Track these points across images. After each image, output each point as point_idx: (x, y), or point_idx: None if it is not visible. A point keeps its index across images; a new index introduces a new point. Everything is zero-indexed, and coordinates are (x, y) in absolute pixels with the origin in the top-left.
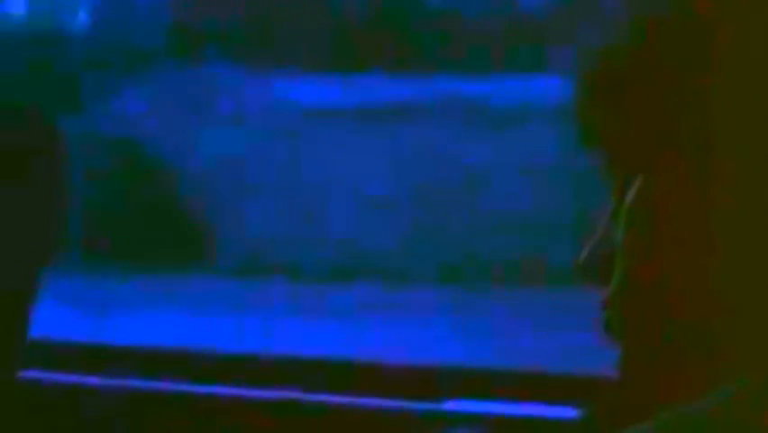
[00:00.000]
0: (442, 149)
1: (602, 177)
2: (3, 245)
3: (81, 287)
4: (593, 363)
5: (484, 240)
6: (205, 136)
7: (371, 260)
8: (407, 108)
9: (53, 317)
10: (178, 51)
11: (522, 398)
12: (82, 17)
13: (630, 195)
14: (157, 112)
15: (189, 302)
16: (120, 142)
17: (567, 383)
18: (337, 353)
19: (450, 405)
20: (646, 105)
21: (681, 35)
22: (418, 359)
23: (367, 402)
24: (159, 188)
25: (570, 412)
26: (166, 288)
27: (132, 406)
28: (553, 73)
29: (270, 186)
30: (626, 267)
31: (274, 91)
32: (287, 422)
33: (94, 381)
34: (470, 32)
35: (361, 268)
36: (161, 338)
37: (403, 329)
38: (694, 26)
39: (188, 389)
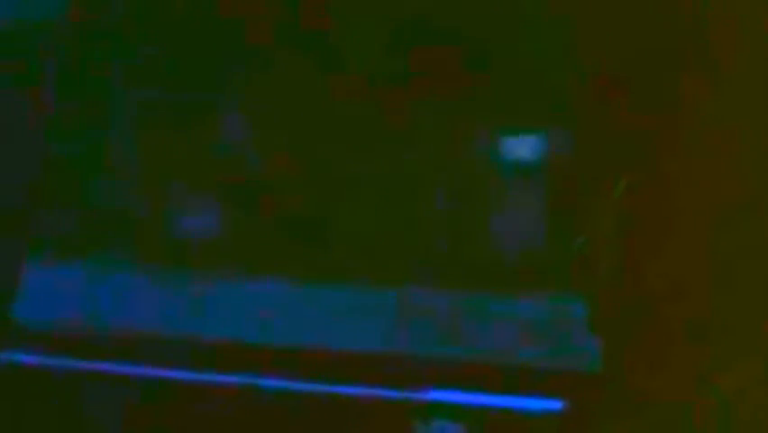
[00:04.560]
0: None
1: (589, 178)
2: None
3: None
4: (576, 358)
5: None
6: None
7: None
8: None
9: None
10: None
11: (505, 390)
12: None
13: (615, 195)
14: None
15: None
16: None
17: (550, 377)
18: (322, 342)
19: (432, 395)
20: (633, 107)
21: (665, 42)
22: (402, 349)
23: (351, 391)
24: None
25: (552, 405)
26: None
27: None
28: None
29: None
30: (611, 265)
31: None
32: (270, 410)
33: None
34: None
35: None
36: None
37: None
38: (680, 33)
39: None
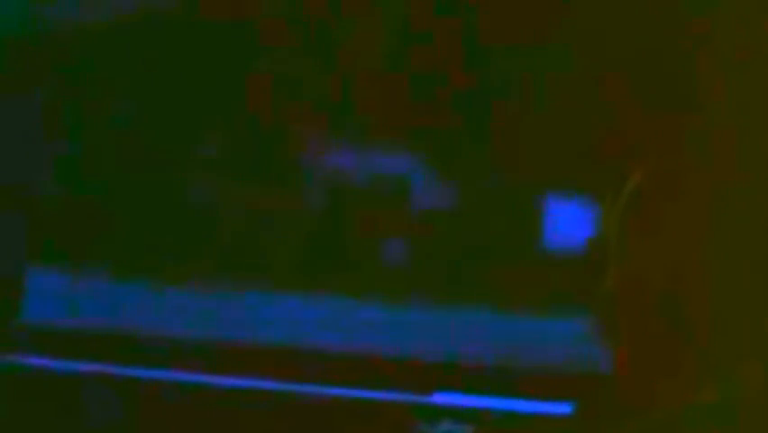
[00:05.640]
0: None
1: (597, 176)
2: None
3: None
4: (586, 360)
5: None
6: None
7: None
8: None
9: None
10: None
11: (513, 393)
12: None
13: (624, 194)
14: None
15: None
16: None
17: (559, 379)
18: (327, 345)
19: (439, 398)
20: (642, 104)
21: (676, 38)
22: (408, 352)
23: (357, 394)
24: None
25: (561, 408)
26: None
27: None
28: None
29: None
30: (620, 265)
31: None
32: (275, 412)
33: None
34: None
35: None
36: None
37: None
38: (691, 31)
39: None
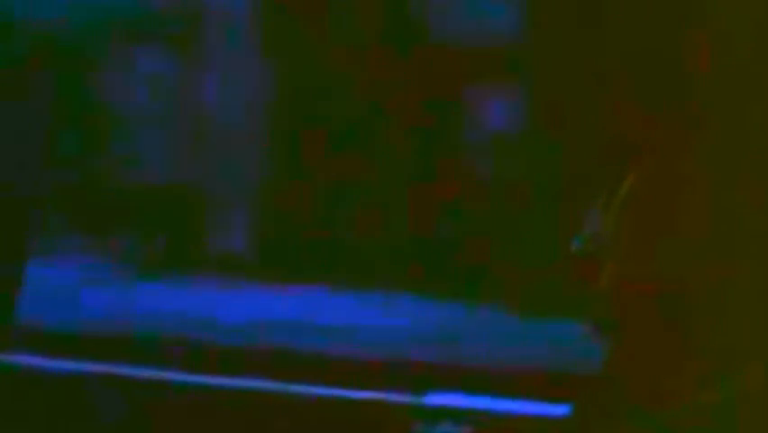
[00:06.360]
0: None
1: (595, 171)
2: None
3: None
4: (581, 360)
5: None
6: None
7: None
8: None
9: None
10: None
11: (510, 393)
12: None
13: (622, 191)
14: None
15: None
16: None
17: (557, 380)
18: (325, 345)
19: (433, 399)
20: (640, 99)
21: (675, 32)
22: (406, 352)
23: (354, 395)
24: None
25: (559, 409)
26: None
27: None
28: None
29: None
30: (617, 263)
31: None
32: (273, 413)
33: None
34: None
35: None
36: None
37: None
38: (686, 33)
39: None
